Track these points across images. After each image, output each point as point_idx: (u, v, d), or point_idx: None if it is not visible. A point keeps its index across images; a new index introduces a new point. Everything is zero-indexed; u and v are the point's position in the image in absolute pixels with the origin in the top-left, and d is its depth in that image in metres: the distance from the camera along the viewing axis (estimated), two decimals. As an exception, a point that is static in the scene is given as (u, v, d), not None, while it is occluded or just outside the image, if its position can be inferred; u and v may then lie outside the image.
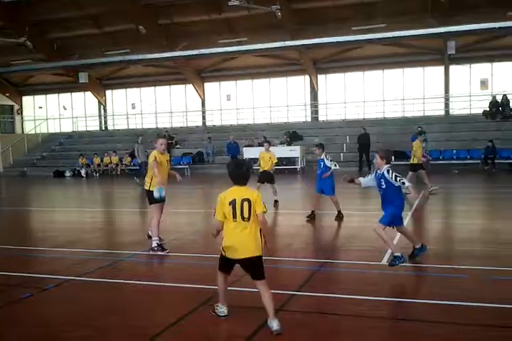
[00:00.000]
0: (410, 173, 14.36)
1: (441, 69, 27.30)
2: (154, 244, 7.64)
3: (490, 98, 25.20)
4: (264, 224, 4.58)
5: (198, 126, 31.80)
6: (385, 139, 24.28)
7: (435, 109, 27.45)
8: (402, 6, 24.13)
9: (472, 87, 27.18)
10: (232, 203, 4.47)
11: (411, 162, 14.65)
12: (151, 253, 7.61)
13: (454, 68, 27.21)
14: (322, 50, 27.98)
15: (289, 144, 24.67)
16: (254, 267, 4.54)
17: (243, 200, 4.47)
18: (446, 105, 27.49)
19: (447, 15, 24.07)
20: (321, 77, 29.86)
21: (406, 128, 24.03)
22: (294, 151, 23.84)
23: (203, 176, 23.84)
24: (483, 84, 26.97)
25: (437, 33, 24.29)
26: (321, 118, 29.97)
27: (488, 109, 24.93)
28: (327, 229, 9.72)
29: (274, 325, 4.40)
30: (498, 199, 13.61)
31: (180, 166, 25.11)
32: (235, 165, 4.68)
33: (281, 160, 24.39)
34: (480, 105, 25.61)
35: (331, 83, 29.86)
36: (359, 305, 5.17)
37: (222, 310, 4.76)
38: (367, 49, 27.20)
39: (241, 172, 4.60)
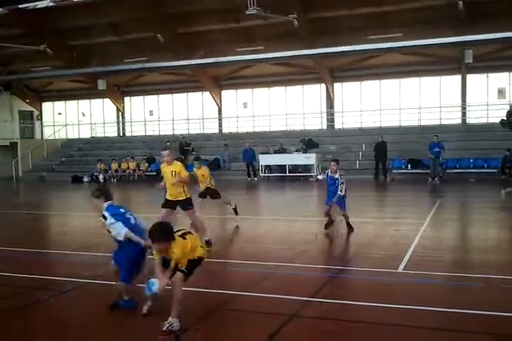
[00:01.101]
0: None
1: (458, 78, 27.18)
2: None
3: (507, 107, 25.00)
4: None
5: (214, 133, 32.00)
6: (401, 147, 24.27)
7: (452, 117, 27.29)
8: (419, 15, 24.11)
9: (489, 96, 27.00)
10: None
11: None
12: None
13: (471, 77, 27.07)
14: (338, 59, 28.05)
15: (305, 152, 24.73)
16: None
17: None
18: (463, 114, 27.33)
19: (464, 24, 23.98)
20: (337, 85, 29.90)
21: (422, 136, 23.94)
22: (309, 159, 23.91)
23: (219, 183, 23.89)
24: (501, 93, 26.79)
25: (455, 42, 24.21)
26: (337, 126, 30.00)
27: (505, 119, 24.73)
28: (342, 237, 9.73)
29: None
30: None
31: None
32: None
33: (296, 168, 24.60)
34: (497, 114, 25.40)
35: (347, 91, 29.88)
36: (372, 312, 5.21)
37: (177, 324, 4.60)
38: (383, 58, 27.20)
39: None
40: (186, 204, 8.14)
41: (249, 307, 4.99)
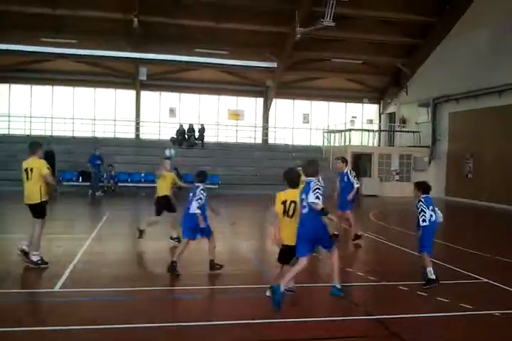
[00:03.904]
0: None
1: (132, 93, 27.64)
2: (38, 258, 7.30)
3: (177, 126, 26.54)
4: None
5: None
6: (73, 158, 23.08)
7: (126, 131, 27.50)
8: (95, 24, 23.65)
9: (162, 114, 28.28)
10: (284, 203, 5.85)
11: None
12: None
13: (145, 94, 27.90)
14: (5, 57, 25.34)
15: None
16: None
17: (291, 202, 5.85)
18: (137, 129, 27.88)
19: (139, 41, 24.64)
20: (3, 87, 26.97)
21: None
22: None
23: None
24: (172, 112, 28.42)
25: (128, 58, 24.85)
26: (2, 131, 26.87)
27: (175, 136, 26.19)
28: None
29: None
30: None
31: None
32: (290, 171, 6.14)
33: None
34: (169, 132, 26.67)
35: (17, 94, 27.21)
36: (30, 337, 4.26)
37: None
38: (57, 63, 25.83)
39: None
40: None
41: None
